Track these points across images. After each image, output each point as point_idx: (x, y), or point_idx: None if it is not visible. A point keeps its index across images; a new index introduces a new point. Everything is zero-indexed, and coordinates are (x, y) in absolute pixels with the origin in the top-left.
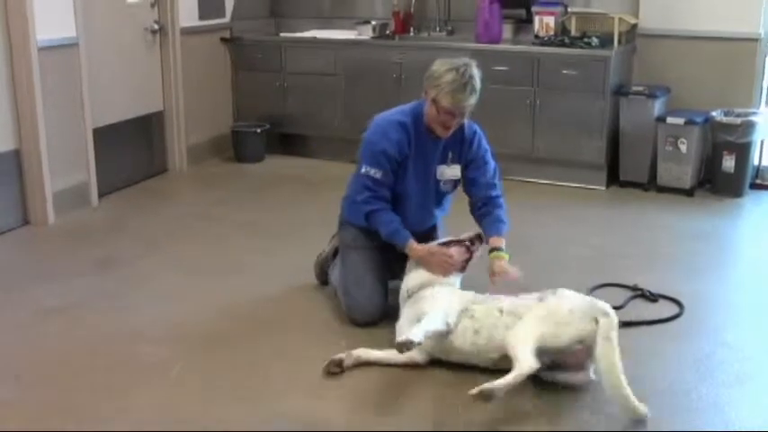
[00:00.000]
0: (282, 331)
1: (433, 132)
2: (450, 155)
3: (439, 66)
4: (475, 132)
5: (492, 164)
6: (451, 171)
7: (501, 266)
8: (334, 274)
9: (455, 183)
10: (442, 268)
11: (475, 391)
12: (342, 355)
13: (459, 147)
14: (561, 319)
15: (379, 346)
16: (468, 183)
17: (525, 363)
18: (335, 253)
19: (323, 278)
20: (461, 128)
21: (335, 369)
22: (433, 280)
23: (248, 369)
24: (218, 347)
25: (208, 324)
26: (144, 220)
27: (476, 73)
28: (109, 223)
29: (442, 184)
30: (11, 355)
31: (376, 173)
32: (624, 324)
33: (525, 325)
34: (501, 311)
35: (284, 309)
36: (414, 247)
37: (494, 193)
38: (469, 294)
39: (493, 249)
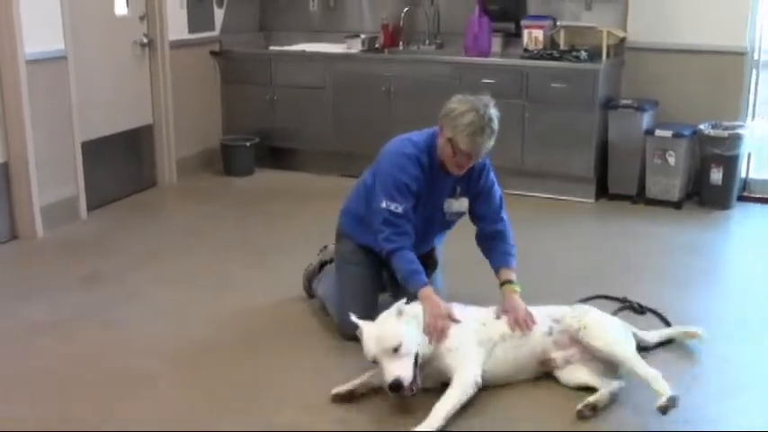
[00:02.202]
0: (272, 345)
1: (445, 167)
2: (458, 189)
3: (458, 104)
4: (484, 165)
5: (498, 193)
6: (459, 204)
7: (522, 317)
8: (322, 286)
9: (461, 214)
10: (435, 329)
11: (580, 406)
12: (349, 387)
13: (468, 180)
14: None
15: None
16: (476, 215)
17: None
18: (321, 266)
19: (311, 291)
20: None
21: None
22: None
23: (238, 382)
24: (208, 361)
25: (197, 338)
26: (133, 234)
27: (494, 114)
28: (98, 237)
29: (448, 215)
30: None
31: (397, 207)
32: None
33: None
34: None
35: (274, 322)
36: (428, 294)
37: (500, 227)
38: (479, 315)
39: (504, 282)
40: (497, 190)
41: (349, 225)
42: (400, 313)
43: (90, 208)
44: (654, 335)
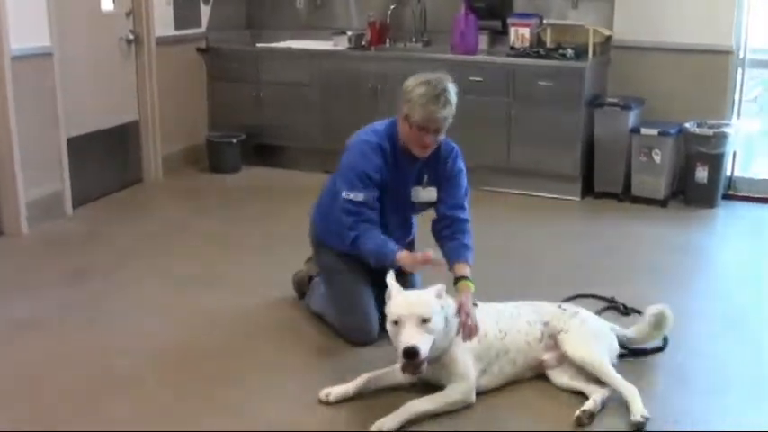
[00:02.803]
0: (258, 343)
1: (410, 153)
2: (426, 177)
3: (411, 81)
4: (452, 151)
5: (464, 186)
6: (427, 194)
7: (472, 320)
8: (315, 302)
9: (430, 204)
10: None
11: (578, 412)
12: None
13: (435, 167)
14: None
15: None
16: (438, 201)
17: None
18: (310, 279)
19: (301, 293)
20: (438, 148)
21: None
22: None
23: (224, 381)
24: (193, 359)
25: (183, 336)
26: (119, 231)
27: (450, 86)
28: (83, 234)
29: (417, 205)
30: None
31: (357, 195)
32: None
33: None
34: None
35: (260, 320)
36: (404, 255)
37: (461, 215)
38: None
39: (459, 278)
40: (464, 180)
41: (325, 233)
42: (440, 295)
43: (75, 204)
44: (632, 330)
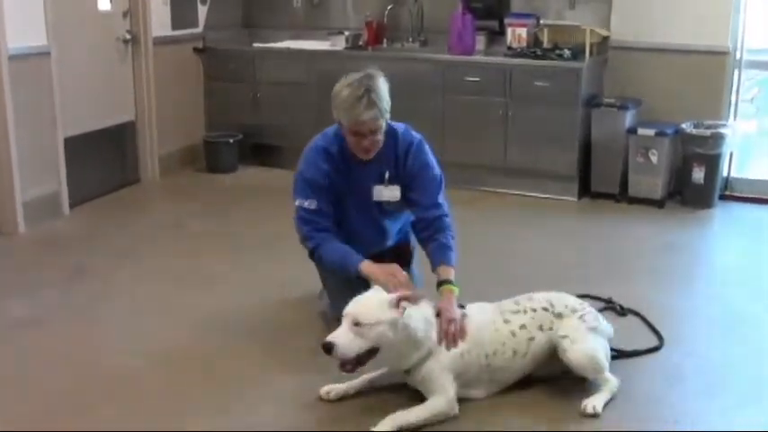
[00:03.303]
0: (255, 342)
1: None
2: (386, 174)
3: (338, 85)
4: (409, 145)
5: (436, 179)
6: (389, 192)
7: (453, 330)
8: (322, 294)
9: (397, 203)
10: (392, 284)
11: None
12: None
13: (394, 164)
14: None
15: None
16: (410, 203)
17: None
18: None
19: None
20: (393, 144)
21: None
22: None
23: (221, 381)
24: (191, 359)
25: (180, 336)
26: (115, 231)
27: (375, 84)
28: (80, 234)
29: (384, 205)
30: None
31: (310, 203)
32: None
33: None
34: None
35: (257, 320)
36: (367, 265)
37: (436, 213)
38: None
39: (441, 282)
40: (432, 172)
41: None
42: (396, 305)
43: (72, 204)
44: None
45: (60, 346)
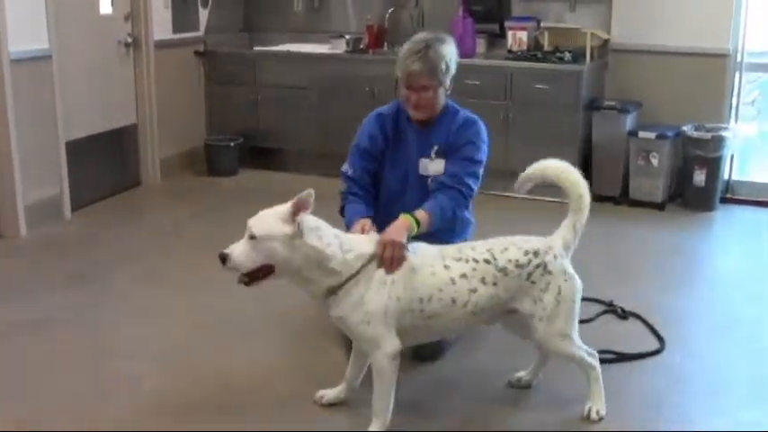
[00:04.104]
0: (255, 345)
1: (418, 122)
2: (435, 147)
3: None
4: (465, 121)
5: (473, 158)
6: (435, 166)
7: (389, 255)
8: None
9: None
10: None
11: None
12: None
13: (446, 137)
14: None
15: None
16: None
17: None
18: None
19: None
20: (451, 120)
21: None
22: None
23: (220, 383)
24: (191, 362)
25: (179, 338)
26: (117, 234)
27: (438, 45)
28: (81, 237)
29: (429, 181)
30: None
31: (348, 169)
32: (605, 361)
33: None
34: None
35: (257, 323)
36: (354, 229)
37: (449, 183)
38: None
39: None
40: (474, 153)
41: None
42: (292, 219)
43: (74, 208)
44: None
45: (61, 350)
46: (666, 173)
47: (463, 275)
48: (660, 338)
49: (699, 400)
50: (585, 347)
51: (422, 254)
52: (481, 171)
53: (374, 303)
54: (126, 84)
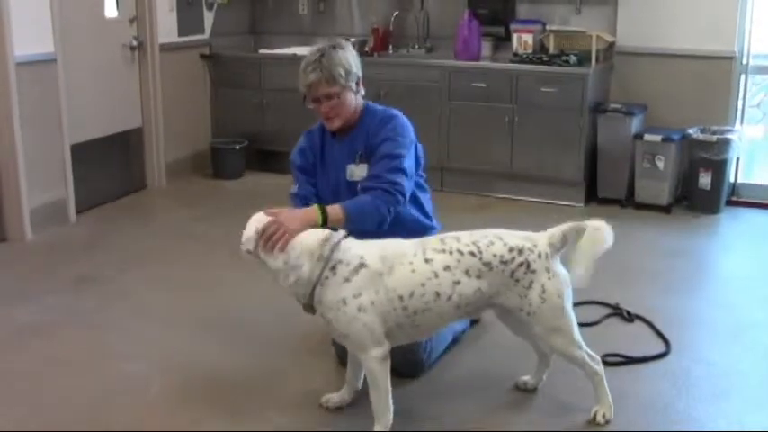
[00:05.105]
0: (262, 347)
1: (337, 132)
2: (359, 152)
3: None
4: (380, 121)
5: (394, 158)
6: (360, 171)
7: (270, 232)
8: None
9: None
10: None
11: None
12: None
13: (365, 141)
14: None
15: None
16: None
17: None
18: None
19: None
20: (367, 121)
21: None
22: None
23: (226, 385)
24: (196, 364)
25: (185, 341)
26: (122, 237)
27: (333, 52)
28: (87, 240)
29: (359, 187)
30: None
31: (293, 188)
32: (611, 364)
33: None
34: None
35: (263, 325)
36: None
37: (372, 184)
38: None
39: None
40: (393, 147)
41: None
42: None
43: (79, 211)
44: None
45: (66, 352)
46: (672, 176)
47: (447, 267)
48: (666, 341)
49: (705, 403)
50: (588, 350)
51: (392, 253)
52: (405, 163)
53: (351, 308)
54: (131, 87)
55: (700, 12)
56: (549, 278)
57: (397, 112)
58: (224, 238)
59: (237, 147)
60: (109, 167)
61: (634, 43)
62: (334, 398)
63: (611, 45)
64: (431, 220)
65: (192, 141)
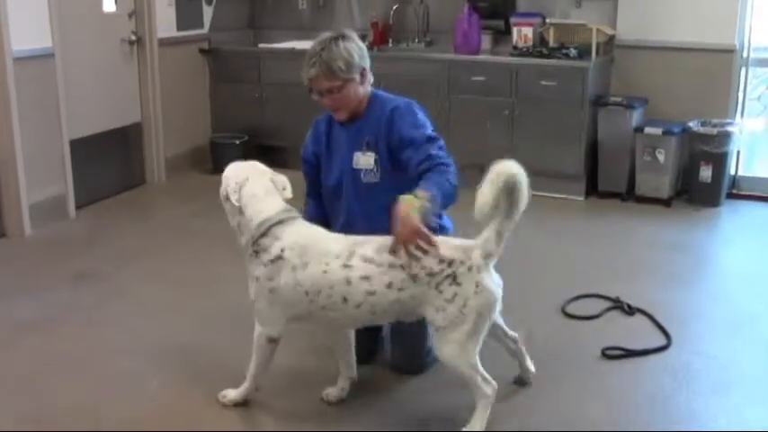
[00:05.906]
0: None
1: (341, 120)
2: (366, 140)
3: None
4: (394, 108)
5: (431, 141)
6: (365, 159)
7: (406, 236)
8: None
9: (380, 172)
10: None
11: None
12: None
13: (376, 130)
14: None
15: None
16: (403, 165)
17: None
18: None
19: None
20: (376, 110)
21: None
22: None
23: (226, 381)
24: (196, 360)
25: (184, 337)
26: (121, 233)
27: (332, 44)
28: (86, 236)
29: (362, 174)
30: None
31: (306, 199)
32: (611, 357)
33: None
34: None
35: None
36: None
37: (425, 167)
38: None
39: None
40: (422, 131)
41: None
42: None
43: (78, 206)
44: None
45: (65, 348)
46: (672, 169)
47: (365, 278)
48: (666, 335)
49: (706, 396)
50: (484, 374)
51: (316, 250)
52: (441, 142)
53: (261, 284)
54: (130, 82)
55: (700, 4)
56: (476, 293)
57: (406, 100)
58: (223, 233)
59: (237, 141)
60: (108, 163)
61: (634, 36)
62: (333, 392)
63: (612, 38)
64: (441, 219)
65: (192, 136)
